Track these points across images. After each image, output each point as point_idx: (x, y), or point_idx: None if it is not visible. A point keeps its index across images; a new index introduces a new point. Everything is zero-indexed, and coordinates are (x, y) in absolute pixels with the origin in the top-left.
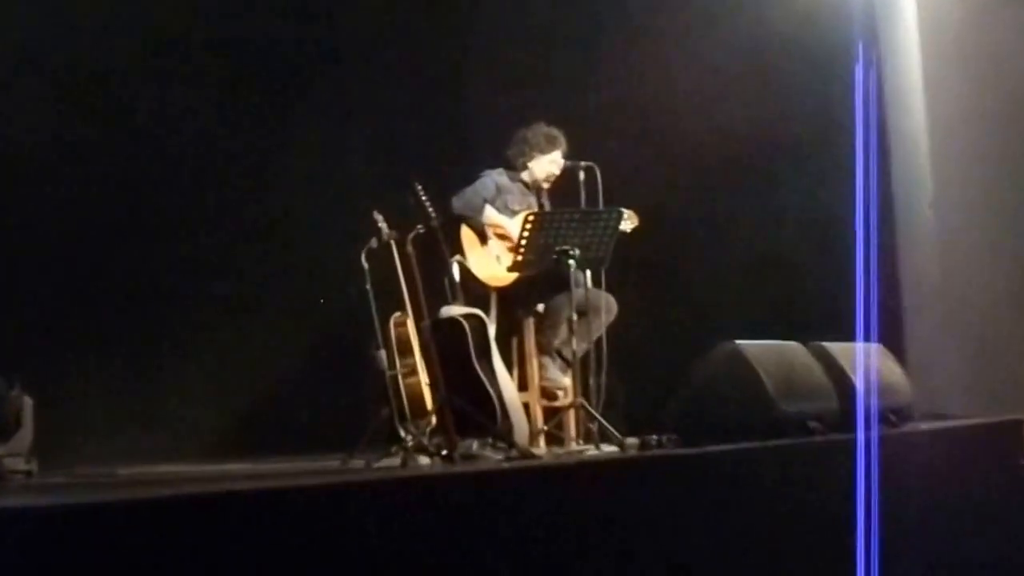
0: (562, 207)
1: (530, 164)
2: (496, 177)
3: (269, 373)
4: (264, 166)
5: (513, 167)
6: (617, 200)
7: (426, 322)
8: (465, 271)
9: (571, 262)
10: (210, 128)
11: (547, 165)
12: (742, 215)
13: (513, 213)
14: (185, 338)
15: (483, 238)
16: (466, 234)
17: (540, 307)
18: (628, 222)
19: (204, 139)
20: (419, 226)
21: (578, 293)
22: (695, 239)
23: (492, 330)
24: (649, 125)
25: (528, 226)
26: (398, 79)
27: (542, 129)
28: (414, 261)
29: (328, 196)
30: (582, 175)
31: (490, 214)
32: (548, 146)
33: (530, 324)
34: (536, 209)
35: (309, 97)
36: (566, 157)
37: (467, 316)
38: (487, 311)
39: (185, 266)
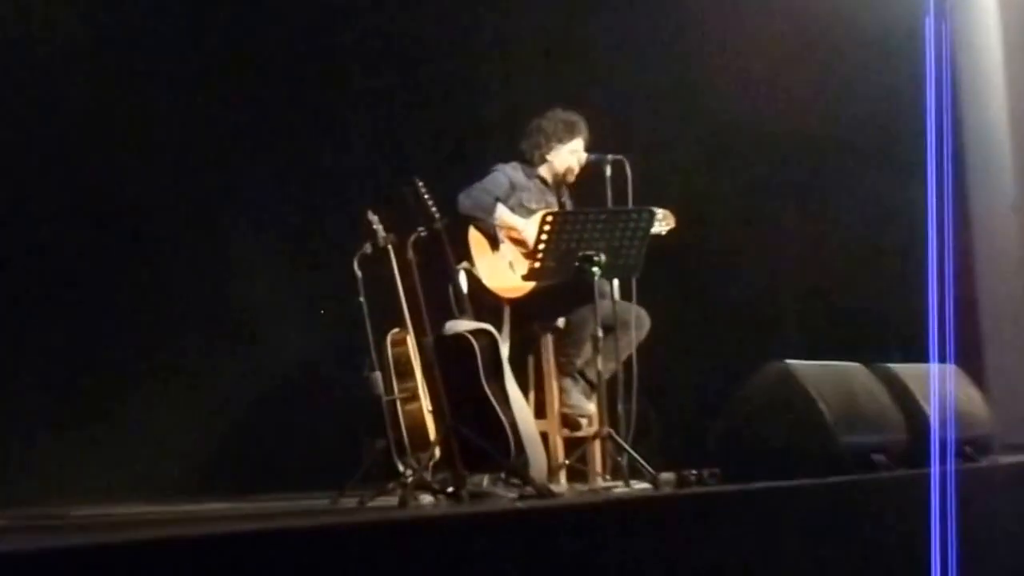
0: (586, 207)
1: (548, 156)
2: (510, 172)
3: (247, 399)
4: (247, 161)
5: (529, 161)
6: (650, 199)
7: (428, 339)
8: (473, 280)
9: (596, 270)
10: (183, 127)
11: (567, 156)
12: (795, 215)
13: (530, 213)
14: (149, 359)
15: (494, 242)
16: (475, 238)
17: (560, 322)
18: (662, 224)
19: (178, 140)
20: (420, 228)
21: (604, 306)
22: (740, 243)
23: (505, 349)
24: (687, 113)
25: (547, 228)
26: (396, 61)
27: (559, 115)
28: (415, 268)
29: (319, 195)
30: (609, 170)
31: (503, 214)
32: (567, 134)
33: (549, 341)
34: (556, 209)
35: (297, 84)
36: (591, 149)
37: (476, 332)
38: (499, 326)
39: (151, 281)
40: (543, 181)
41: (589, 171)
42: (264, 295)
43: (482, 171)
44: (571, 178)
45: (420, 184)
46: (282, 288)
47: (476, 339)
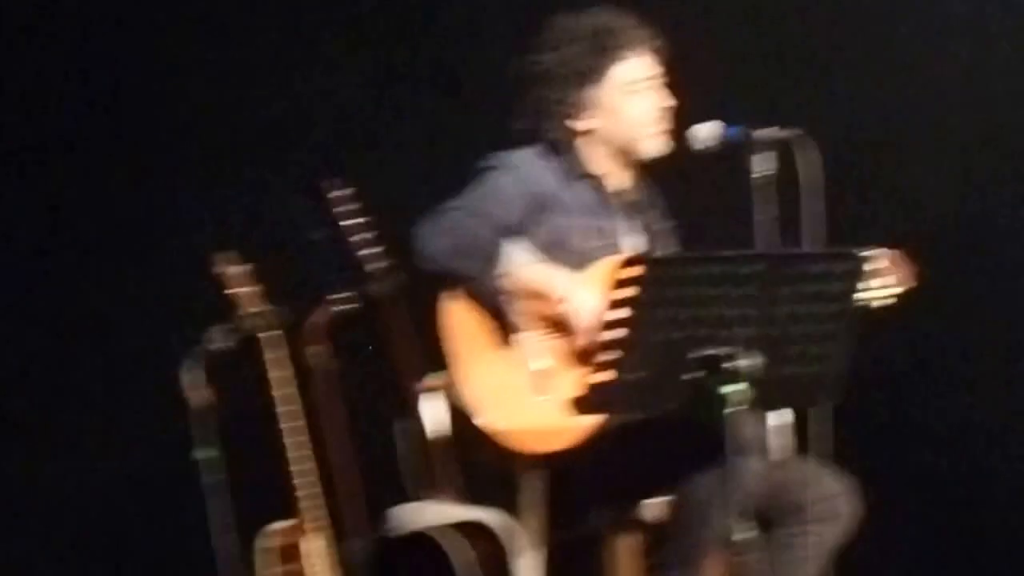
0: (713, 250)
1: (588, 118)
2: (526, 169)
3: None
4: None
5: (558, 141)
6: (854, 227)
7: (355, 544)
8: (456, 413)
9: (733, 389)
10: None
11: (627, 100)
12: None
13: (580, 260)
14: None
15: (498, 326)
16: (457, 318)
17: (650, 508)
18: (882, 282)
19: None
20: (337, 294)
21: (752, 470)
22: None
23: (525, 563)
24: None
25: (621, 292)
26: None
27: (579, 23)
28: (324, 383)
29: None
30: (757, 164)
31: (517, 264)
32: (608, 52)
33: (625, 551)
34: (629, 244)
35: None
36: (725, 118)
37: (459, 532)
38: (513, 511)
39: None
40: (593, 182)
41: (716, 161)
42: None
43: (467, 167)
44: (649, 144)
45: (341, 191)
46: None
47: (455, 547)
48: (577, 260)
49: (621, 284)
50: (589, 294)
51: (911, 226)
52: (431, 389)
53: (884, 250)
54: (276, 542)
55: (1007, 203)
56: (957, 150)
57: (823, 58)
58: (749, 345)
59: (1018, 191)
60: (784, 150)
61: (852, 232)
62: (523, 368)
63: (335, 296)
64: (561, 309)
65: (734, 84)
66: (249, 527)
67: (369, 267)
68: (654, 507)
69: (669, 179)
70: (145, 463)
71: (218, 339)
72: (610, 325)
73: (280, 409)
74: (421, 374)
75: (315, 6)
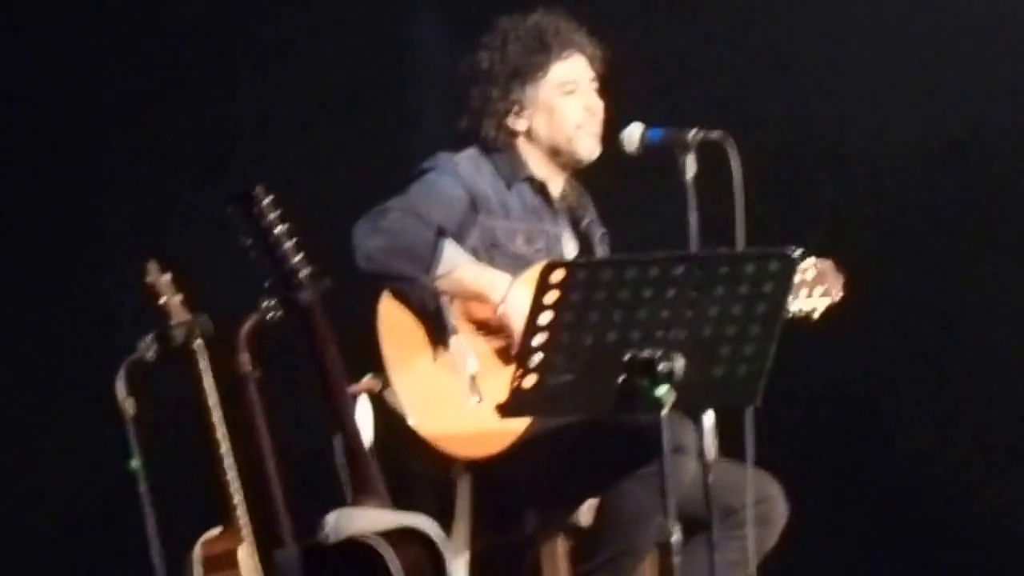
0: (645, 252)
1: (523, 120)
2: (467, 172)
3: None
4: None
5: (492, 143)
6: (791, 231)
7: (287, 551)
8: (389, 416)
9: (664, 391)
10: None
11: (562, 103)
12: None
13: (516, 262)
14: None
15: (437, 331)
16: (392, 322)
17: (584, 512)
18: (816, 290)
19: None
20: (267, 301)
21: (685, 473)
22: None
23: (460, 570)
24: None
25: (552, 295)
26: None
27: (518, 27)
28: (255, 392)
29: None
30: (690, 165)
31: (458, 267)
32: (544, 54)
33: (558, 553)
34: (571, 249)
35: None
36: (658, 120)
37: (393, 536)
38: (446, 520)
39: None
40: (535, 185)
41: (645, 161)
42: None
43: (410, 168)
44: (582, 145)
45: (266, 198)
46: None
47: (394, 549)
48: (519, 263)
49: (545, 288)
50: (528, 297)
51: (835, 229)
52: (368, 391)
53: (816, 259)
54: (213, 549)
55: (932, 209)
56: (882, 153)
57: (751, 62)
58: (681, 347)
59: (943, 196)
60: (716, 151)
61: (778, 234)
62: (458, 371)
63: (264, 303)
64: (500, 312)
65: (659, 88)
66: (183, 535)
67: (296, 273)
68: (584, 511)
69: (601, 183)
70: (79, 473)
71: (150, 348)
72: (535, 329)
73: (216, 417)
74: (355, 378)
75: (238, 19)
